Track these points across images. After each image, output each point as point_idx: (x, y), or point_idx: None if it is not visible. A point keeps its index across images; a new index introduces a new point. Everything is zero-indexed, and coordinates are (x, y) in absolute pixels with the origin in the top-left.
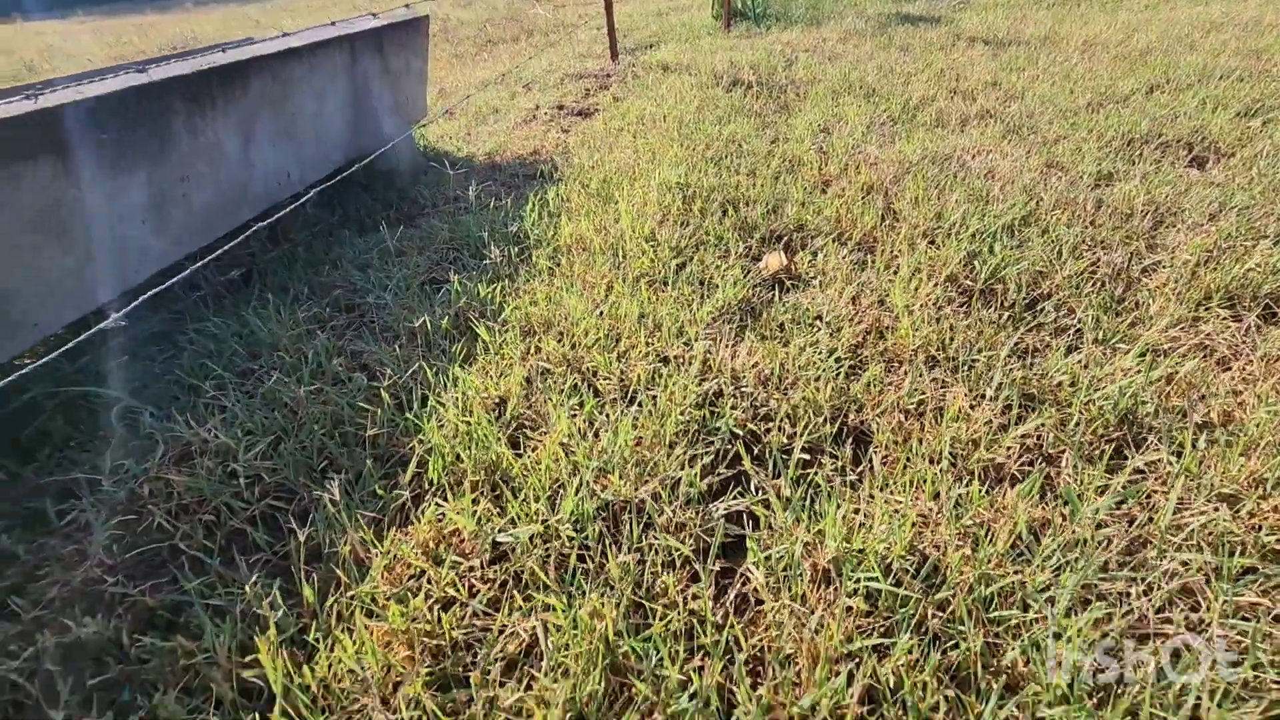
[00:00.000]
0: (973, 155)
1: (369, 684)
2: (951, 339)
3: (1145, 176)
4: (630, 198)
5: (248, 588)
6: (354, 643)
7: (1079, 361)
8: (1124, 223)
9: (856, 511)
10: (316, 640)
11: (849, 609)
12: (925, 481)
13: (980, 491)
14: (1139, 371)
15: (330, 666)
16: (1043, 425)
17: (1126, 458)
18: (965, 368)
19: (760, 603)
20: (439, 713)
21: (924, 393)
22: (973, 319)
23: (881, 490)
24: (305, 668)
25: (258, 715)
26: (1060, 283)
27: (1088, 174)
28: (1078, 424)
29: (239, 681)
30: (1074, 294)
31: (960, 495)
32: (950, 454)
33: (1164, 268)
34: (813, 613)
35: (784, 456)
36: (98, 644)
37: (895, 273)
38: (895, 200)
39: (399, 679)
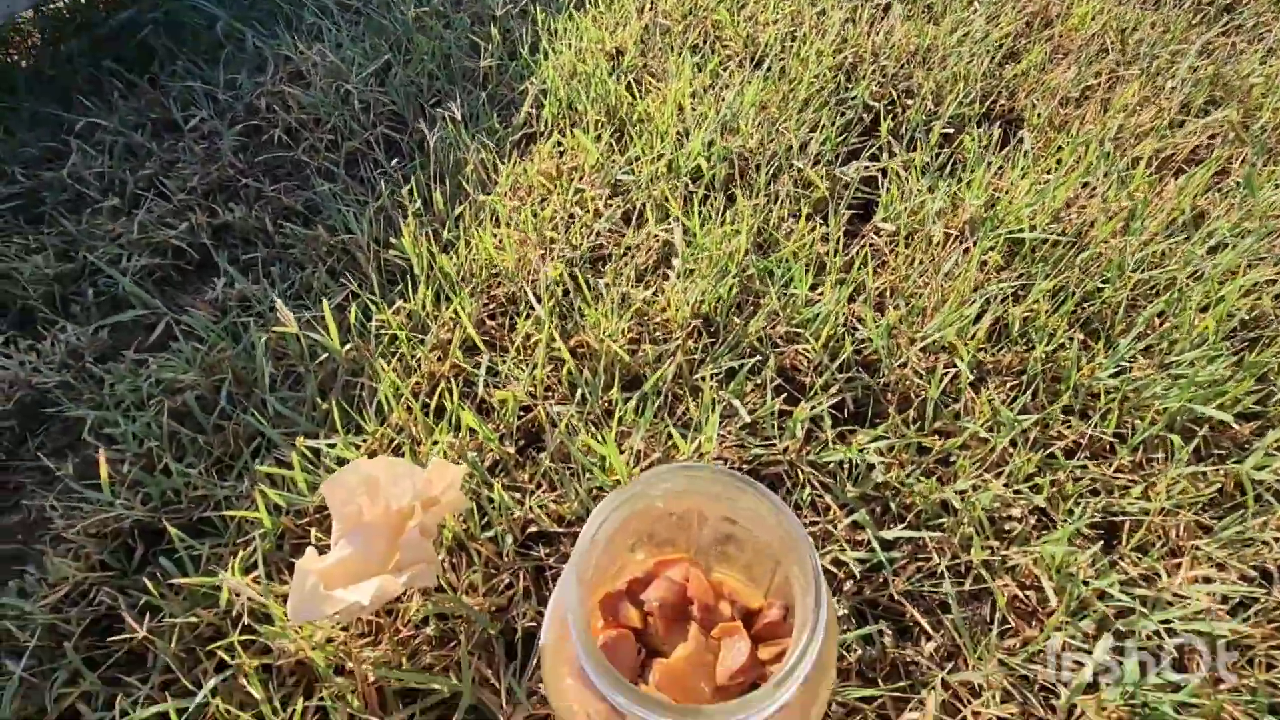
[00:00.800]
0: None
1: (507, 270)
2: (1134, 30)
3: None
4: None
5: (381, 185)
6: (492, 238)
7: (1274, 67)
8: None
9: (1000, 179)
10: (452, 238)
11: (983, 263)
12: (1080, 162)
13: (1144, 174)
14: None
15: (469, 256)
16: (1225, 120)
17: None
18: (1146, 60)
19: (891, 251)
20: (585, 286)
21: (1090, 81)
22: (1160, 14)
23: (1031, 167)
24: (442, 256)
25: (404, 286)
26: None
27: None
28: (1263, 128)
29: (381, 263)
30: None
31: (1120, 175)
32: (1113, 140)
33: None
34: (943, 264)
35: (924, 131)
36: (244, 227)
37: None
38: None
39: (534, 271)
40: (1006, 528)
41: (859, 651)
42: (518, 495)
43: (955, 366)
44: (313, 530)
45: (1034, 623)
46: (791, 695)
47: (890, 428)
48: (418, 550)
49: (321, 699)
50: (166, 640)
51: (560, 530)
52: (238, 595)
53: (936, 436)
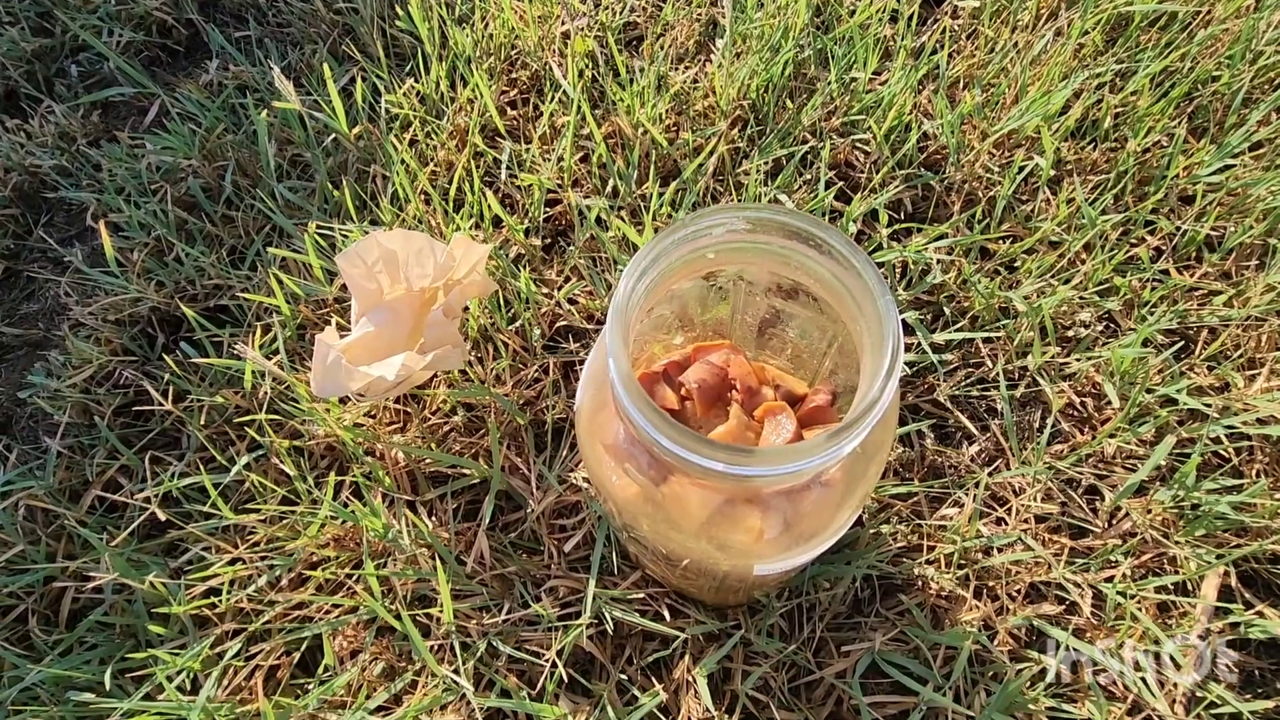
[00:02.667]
0: None
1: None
2: None
3: None
4: None
5: None
6: (512, 11)
7: None
8: None
9: None
10: (467, 10)
11: (1079, 46)
12: None
13: None
14: None
15: (486, 31)
16: None
17: None
18: None
19: (969, 36)
20: (620, 67)
21: None
22: None
23: None
24: (456, 29)
25: (415, 65)
26: None
27: None
28: None
29: (389, 39)
30: None
31: None
32: None
33: None
34: (1032, 47)
35: None
36: (234, 1)
37: None
38: None
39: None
40: (1071, 333)
41: (899, 450)
42: (545, 290)
43: (1033, 160)
44: (334, 318)
45: (1086, 429)
46: (854, 447)
47: (952, 228)
48: (443, 331)
49: (354, 479)
50: (195, 420)
51: (590, 326)
52: (262, 377)
53: (1003, 241)
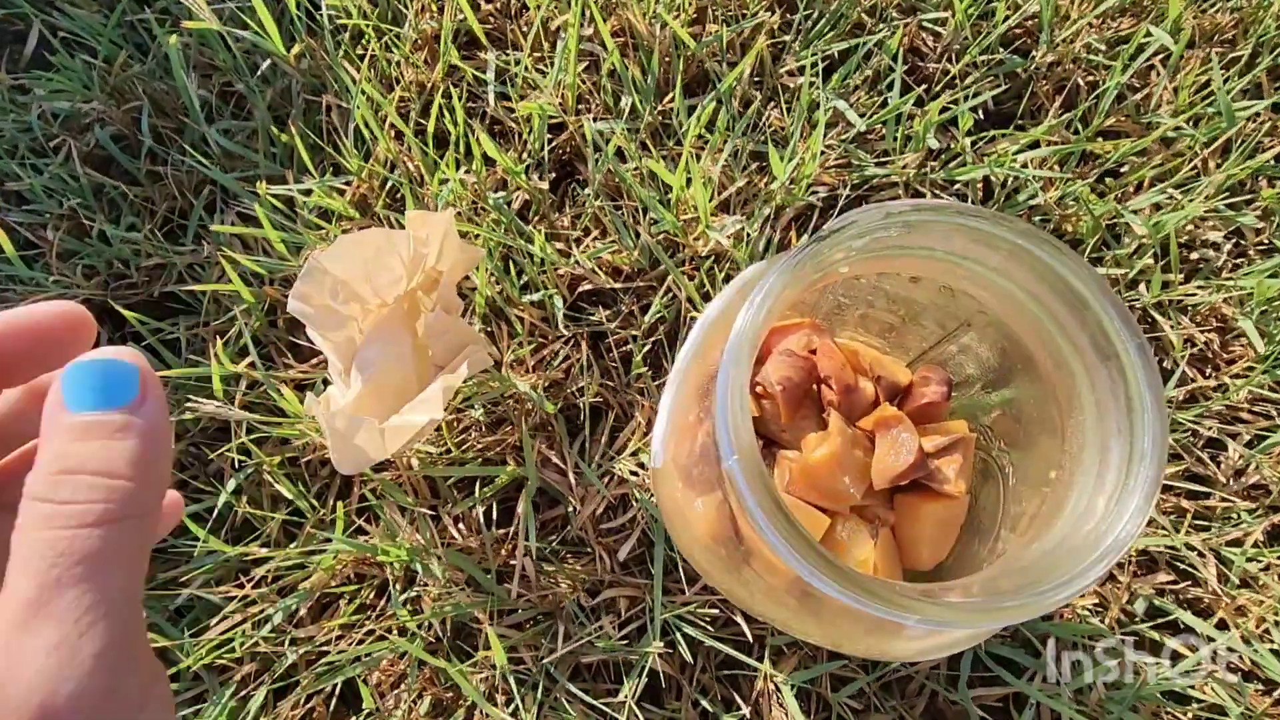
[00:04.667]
0: None
1: None
2: None
3: None
4: None
5: None
6: None
7: None
8: None
9: None
10: None
11: None
12: None
13: None
14: None
15: None
16: None
17: None
18: None
19: None
20: None
21: None
22: None
23: None
24: None
25: None
26: None
27: None
28: None
29: None
30: None
31: None
32: None
33: None
34: None
35: None
36: None
37: None
38: None
39: None
40: (1196, 256)
41: None
42: (560, 246)
43: (1148, 34)
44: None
45: (1209, 372)
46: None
47: (1047, 132)
48: (452, 333)
49: (365, 493)
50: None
51: (618, 286)
52: (236, 382)
53: (1104, 139)
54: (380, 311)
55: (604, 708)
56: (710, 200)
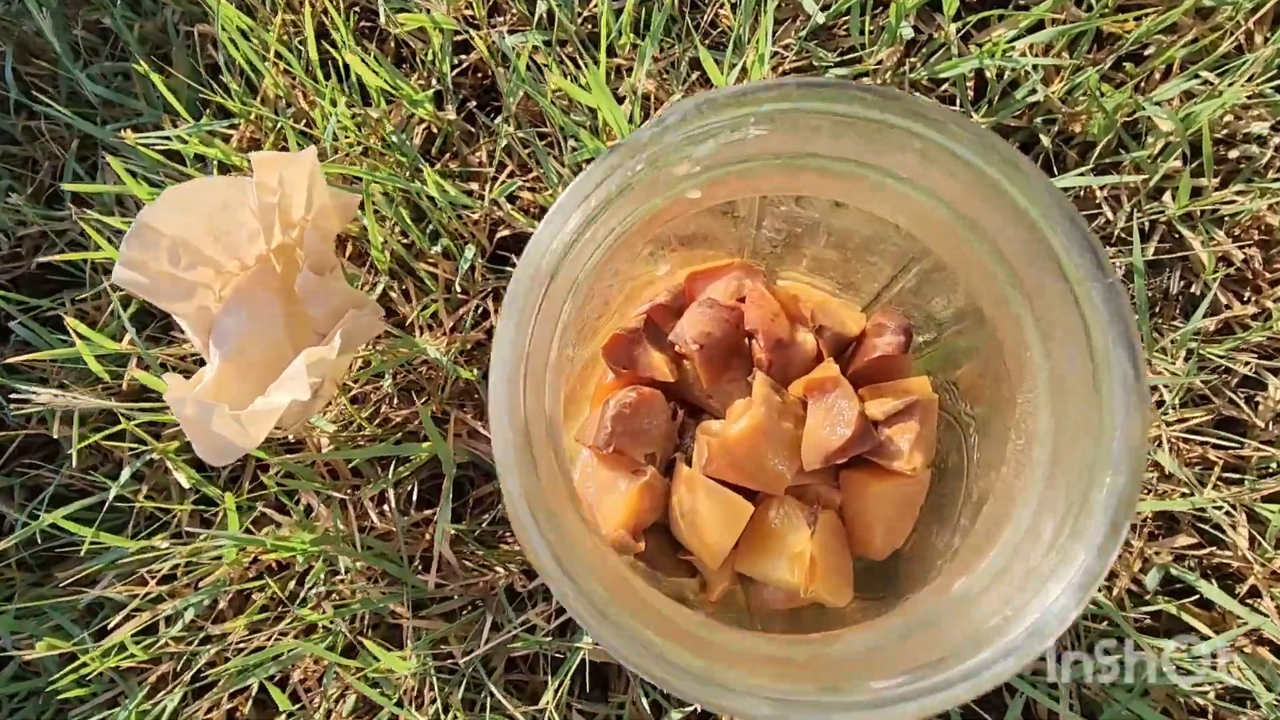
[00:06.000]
0: None
1: None
2: None
3: None
4: None
5: None
6: None
7: None
8: None
9: None
10: None
11: None
12: None
13: None
14: None
15: None
16: None
17: None
18: None
19: None
20: None
21: None
22: None
23: None
24: None
25: None
26: None
27: None
28: None
29: None
30: None
31: None
32: None
33: None
34: None
35: None
36: None
37: None
38: None
39: None
40: (1232, 155)
41: None
42: (474, 187)
43: None
44: (159, 353)
45: (1248, 296)
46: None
47: (1052, 8)
48: (329, 295)
49: (268, 480)
50: (54, 429)
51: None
52: (122, 362)
53: (1122, 14)
54: (235, 279)
55: (532, 710)
56: (645, 119)
